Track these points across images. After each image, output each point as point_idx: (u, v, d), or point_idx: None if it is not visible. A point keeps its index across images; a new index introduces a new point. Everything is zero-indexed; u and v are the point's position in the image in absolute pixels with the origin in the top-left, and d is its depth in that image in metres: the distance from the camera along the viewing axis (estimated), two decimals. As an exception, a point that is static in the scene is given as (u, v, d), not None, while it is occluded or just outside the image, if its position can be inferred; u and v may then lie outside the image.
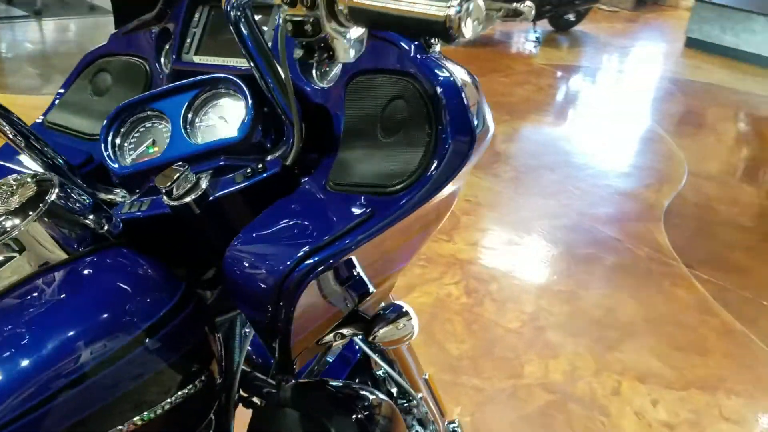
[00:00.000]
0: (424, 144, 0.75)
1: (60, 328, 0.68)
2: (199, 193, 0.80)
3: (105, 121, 0.93)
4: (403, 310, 0.88)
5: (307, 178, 0.85)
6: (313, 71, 0.93)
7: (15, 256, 0.73)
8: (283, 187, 0.85)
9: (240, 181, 0.83)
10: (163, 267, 0.83)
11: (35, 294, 0.72)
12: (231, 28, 0.76)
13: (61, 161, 0.89)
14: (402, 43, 0.81)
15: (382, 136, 0.79)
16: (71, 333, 0.68)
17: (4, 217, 0.73)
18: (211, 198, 0.81)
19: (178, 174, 0.80)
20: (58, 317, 0.70)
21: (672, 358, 2.55)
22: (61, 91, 1.24)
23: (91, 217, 0.81)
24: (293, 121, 0.83)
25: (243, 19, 0.76)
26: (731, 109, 5.92)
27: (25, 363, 0.64)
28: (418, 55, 0.78)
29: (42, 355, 0.65)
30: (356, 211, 0.73)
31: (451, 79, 0.75)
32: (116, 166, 0.91)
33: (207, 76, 0.92)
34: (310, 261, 0.70)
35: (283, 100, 0.82)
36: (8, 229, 0.71)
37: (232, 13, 0.76)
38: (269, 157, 0.90)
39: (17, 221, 0.72)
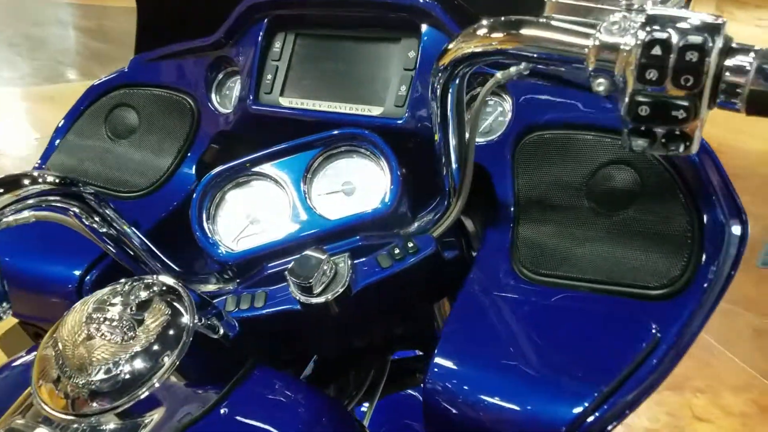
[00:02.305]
0: (683, 228, 0.62)
1: None
2: (343, 288, 0.66)
3: (196, 195, 0.74)
4: None
5: (478, 257, 0.70)
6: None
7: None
8: (433, 265, 0.70)
9: (387, 266, 0.69)
10: (312, 387, 0.66)
11: None
12: (437, 90, 0.59)
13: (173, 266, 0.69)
14: None
15: (594, 212, 0.66)
16: None
17: (135, 360, 0.52)
18: (354, 291, 0.67)
19: (319, 265, 0.63)
20: None
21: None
22: (62, 128, 0.98)
23: (202, 319, 0.62)
24: (460, 192, 0.68)
25: (454, 85, 0.59)
26: None
27: None
28: None
29: None
30: (625, 328, 0.59)
31: (704, 142, 0.63)
32: (221, 251, 0.71)
33: (337, 132, 0.75)
34: (596, 416, 0.54)
35: (457, 169, 0.66)
36: (147, 379, 0.53)
37: (442, 78, 0.59)
38: (411, 229, 0.73)
39: (156, 367, 0.53)
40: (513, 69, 0.57)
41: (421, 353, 0.94)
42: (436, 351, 0.61)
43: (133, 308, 0.56)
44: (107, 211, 0.65)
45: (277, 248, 0.72)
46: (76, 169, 0.96)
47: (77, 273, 0.80)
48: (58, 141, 0.98)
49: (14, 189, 0.55)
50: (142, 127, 0.96)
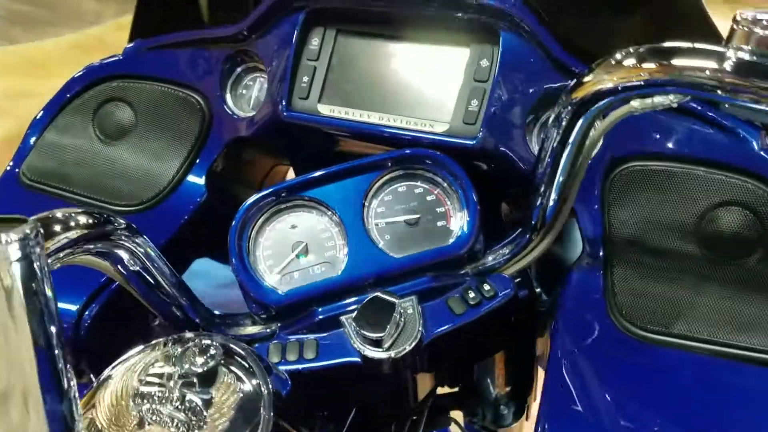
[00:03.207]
0: None
1: None
2: (415, 341, 0.57)
3: (235, 223, 0.62)
4: None
5: (562, 303, 0.63)
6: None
7: None
8: (510, 311, 0.62)
9: (461, 312, 0.60)
10: None
11: None
12: (562, 122, 0.51)
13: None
14: (727, 126, 0.60)
15: (708, 259, 0.59)
16: None
17: None
18: (426, 343, 0.58)
19: (392, 313, 0.54)
20: None
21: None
22: (38, 121, 0.84)
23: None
24: (551, 228, 0.60)
25: (586, 120, 0.49)
26: None
27: None
28: (758, 148, 0.59)
29: None
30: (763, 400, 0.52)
31: None
32: (267, 292, 0.60)
33: (409, 152, 0.65)
34: None
35: (555, 205, 0.58)
36: None
37: (572, 111, 0.50)
38: (479, 266, 0.65)
39: None
40: (658, 99, 0.49)
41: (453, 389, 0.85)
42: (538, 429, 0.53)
43: (195, 383, 0.45)
44: (150, 251, 0.53)
45: (333, 289, 0.61)
46: (57, 173, 0.81)
47: (74, 308, 0.67)
48: (34, 139, 0.82)
49: (55, 233, 0.42)
50: (140, 127, 0.82)
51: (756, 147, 0.59)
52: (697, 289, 0.59)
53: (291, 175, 1.08)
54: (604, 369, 0.57)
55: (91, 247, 0.47)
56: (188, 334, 0.50)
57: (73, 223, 0.44)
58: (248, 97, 0.82)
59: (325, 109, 0.73)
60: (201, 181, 0.80)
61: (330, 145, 0.76)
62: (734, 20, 0.41)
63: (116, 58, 0.84)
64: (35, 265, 0.32)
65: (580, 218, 0.64)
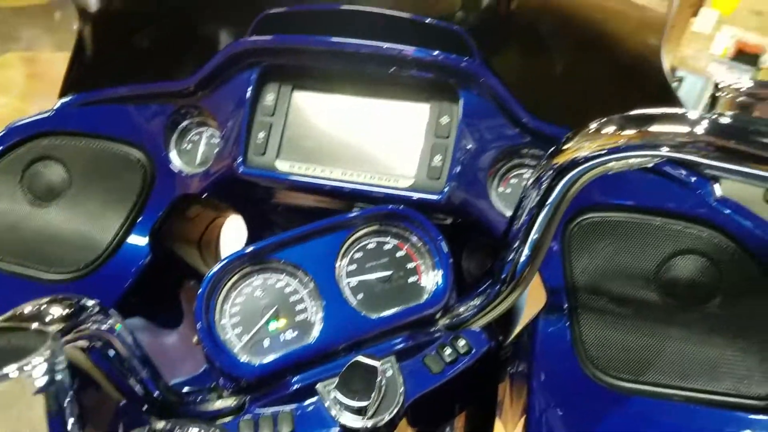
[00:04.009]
0: None
1: None
2: (399, 406, 0.55)
3: (202, 291, 0.59)
4: None
5: (536, 355, 0.64)
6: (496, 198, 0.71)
7: None
8: (485, 363, 0.63)
9: (439, 370, 0.60)
10: None
11: None
12: (542, 185, 0.52)
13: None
14: (682, 178, 0.64)
15: (670, 306, 0.61)
16: None
17: None
18: (407, 405, 0.57)
19: (375, 378, 0.53)
20: None
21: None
22: None
23: None
24: (521, 281, 0.61)
25: (566, 183, 0.52)
26: None
27: None
28: (713, 199, 0.63)
29: None
30: None
31: None
32: (239, 365, 0.57)
33: (377, 210, 0.64)
34: None
35: (527, 260, 0.59)
36: None
37: (553, 175, 0.51)
38: (451, 319, 0.65)
39: None
40: (635, 160, 0.51)
41: None
42: None
43: None
44: (119, 328, 0.48)
45: (308, 357, 0.59)
46: None
47: None
48: None
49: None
50: (75, 187, 0.76)
51: (710, 198, 0.63)
52: (662, 336, 0.60)
53: (229, 226, 1.04)
54: (581, 422, 0.57)
55: (69, 339, 0.42)
56: (159, 425, 0.47)
57: (49, 318, 0.39)
58: (195, 153, 0.78)
59: (283, 166, 0.71)
60: (143, 241, 0.75)
61: (287, 200, 0.74)
62: (715, 87, 0.44)
63: (45, 114, 0.78)
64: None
65: (543, 268, 0.65)
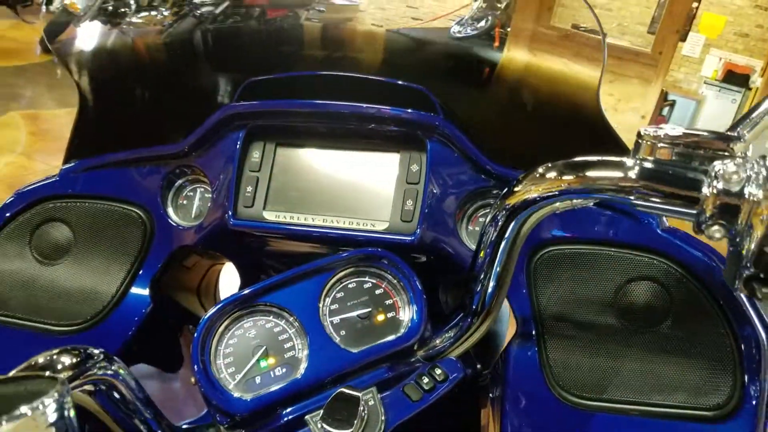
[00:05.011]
0: (722, 344, 0.65)
1: None
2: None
3: (197, 335, 0.65)
4: None
5: (508, 379, 0.69)
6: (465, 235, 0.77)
7: None
8: (460, 389, 0.68)
9: (417, 398, 0.65)
10: None
11: None
12: (498, 222, 0.58)
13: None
14: (629, 210, 0.70)
15: (627, 329, 0.67)
16: None
17: None
18: None
19: (357, 407, 0.59)
20: None
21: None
22: None
23: None
24: (490, 312, 0.67)
25: (519, 220, 0.58)
26: None
27: None
28: (659, 228, 0.69)
29: None
30: None
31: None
32: (232, 401, 0.63)
33: (357, 252, 0.70)
34: None
35: (493, 291, 0.65)
36: None
37: (507, 215, 0.58)
38: (428, 350, 0.70)
39: None
40: (577, 201, 0.57)
41: None
42: None
43: None
44: (124, 374, 0.54)
45: (297, 391, 0.64)
46: None
47: None
48: None
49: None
50: (79, 246, 0.82)
51: (657, 228, 0.70)
52: (620, 356, 0.66)
53: (226, 273, 1.10)
54: None
55: (77, 384, 0.48)
56: None
57: (59, 366, 0.45)
58: (190, 208, 0.85)
59: (270, 216, 0.78)
60: (145, 292, 0.81)
61: (275, 247, 0.81)
62: (638, 135, 0.50)
63: (50, 180, 0.85)
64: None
65: (512, 299, 0.71)
